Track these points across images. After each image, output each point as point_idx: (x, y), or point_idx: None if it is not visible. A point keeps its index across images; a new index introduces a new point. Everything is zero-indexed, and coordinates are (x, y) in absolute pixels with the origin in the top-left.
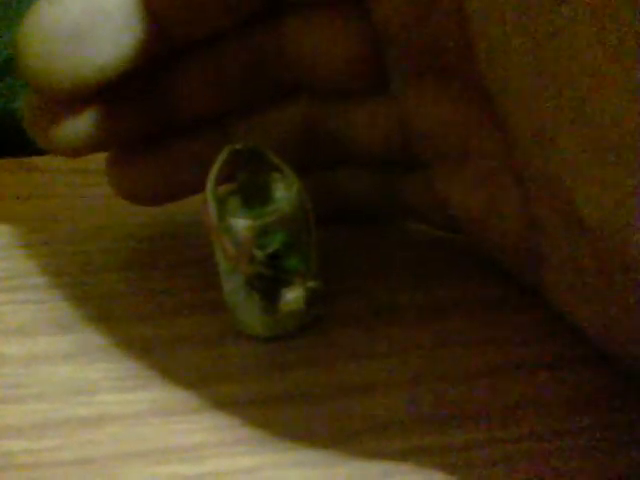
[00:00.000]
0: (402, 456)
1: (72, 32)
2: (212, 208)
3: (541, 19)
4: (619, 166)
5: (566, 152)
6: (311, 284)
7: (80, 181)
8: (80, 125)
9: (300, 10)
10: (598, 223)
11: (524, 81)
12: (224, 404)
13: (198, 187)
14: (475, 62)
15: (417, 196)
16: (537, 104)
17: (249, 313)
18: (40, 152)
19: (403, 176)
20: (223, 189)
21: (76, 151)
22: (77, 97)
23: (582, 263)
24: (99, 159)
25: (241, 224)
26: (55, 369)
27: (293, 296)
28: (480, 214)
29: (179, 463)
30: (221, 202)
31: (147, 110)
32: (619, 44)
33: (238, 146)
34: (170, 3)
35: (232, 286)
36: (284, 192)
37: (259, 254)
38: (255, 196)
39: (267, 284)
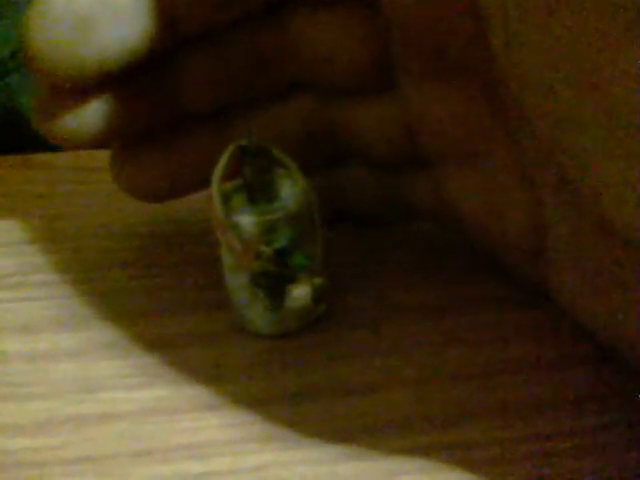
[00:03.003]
0: (407, 454)
1: (78, 21)
2: (218, 205)
3: (558, 6)
4: (635, 151)
5: (583, 136)
6: (317, 281)
7: (83, 178)
8: (86, 117)
9: (306, 7)
10: (614, 215)
11: (543, 72)
12: (229, 402)
13: (203, 183)
14: (486, 56)
15: (422, 196)
16: (558, 96)
17: (254, 310)
18: (44, 149)
19: (408, 176)
20: (229, 186)
21: (81, 143)
22: (82, 86)
23: (586, 261)
24: (103, 156)
25: (247, 221)
26: (59, 367)
27: (299, 293)
28: (485, 214)
29: (184, 461)
30: (227, 199)
31: (152, 104)
32: (635, 27)
33: (244, 143)
34: None
35: (237, 283)
36: (290, 189)
37: (265, 251)
38: (261, 193)
39: (273, 281)
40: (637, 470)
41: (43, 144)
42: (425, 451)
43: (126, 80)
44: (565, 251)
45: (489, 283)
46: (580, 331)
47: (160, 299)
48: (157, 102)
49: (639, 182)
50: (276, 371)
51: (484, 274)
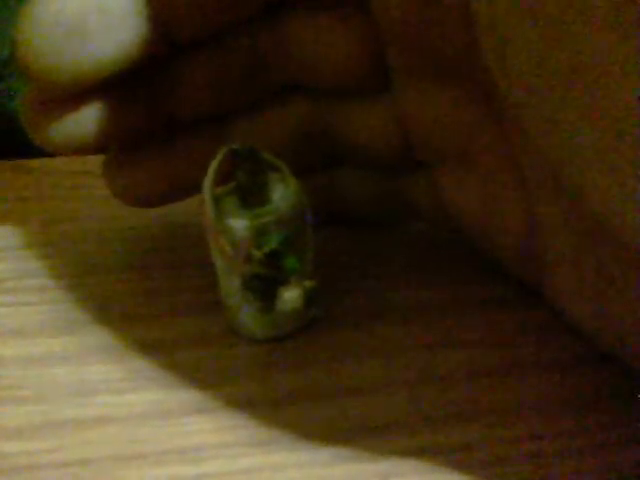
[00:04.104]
0: (402, 456)
1: (71, 27)
2: (209, 208)
3: (550, 6)
4: (628, 152)
5: (576, 139)
6: (308, 283)
7: (78, 183)
8: (79, 124)
9: (301, 10)
10: (605, 213)
11: (535, 70)
12: (223, 405)
13: (196, 188)
14: (480, 59)
15: (420, 197)
16: (548, 93)
17: (247, 314)
18: (39, 154)
19: (405, 177)
20: (221, 189)
21: (73, 149)
22: (76, 92)
23: (583, 263)
24: (98, 161)
25: (239, 224)
26: (53, 371)
27: (290, 296)
28: (481, 214)
29: (178, 465)
30: (218, 202)
31: (147, 109)
32: (630, 29)
33: (235, 146)
34: (170, 2)
35: (229, 287)
36: (282, 192)
37: (256, 254)
38: (253, 196)
39: (264, 284)
40: (636, 470)
41: (40, 149)
42: (421, 452)
43: (120, 86)
44: (562, 253)
45: (488, 283)
46: (577, 332)
47: (154, 303)
48: (152, 108)
49: (635, 185)
50: (271, 373)
51: (482, 275)
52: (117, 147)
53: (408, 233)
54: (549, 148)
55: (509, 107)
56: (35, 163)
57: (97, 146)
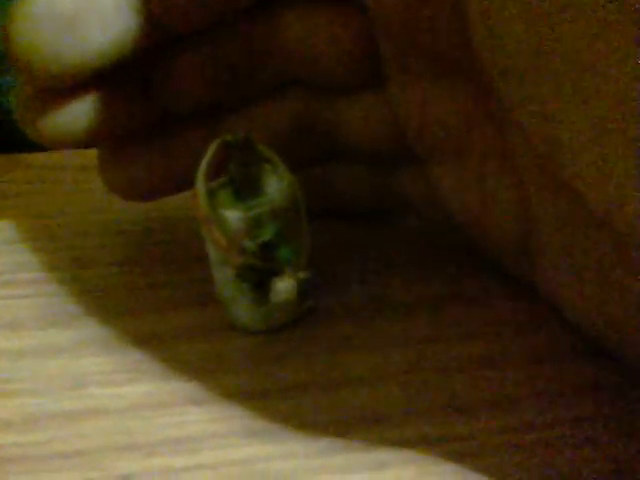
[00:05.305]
0: (396, 447)
1: (62, 21)
2: (202, 200)
3: (541, 0)
4: (620, 145)
5: (568, 132)
6: (302, 275)
7: (74, 177)
8: (72, 117)
9: (296, 4)
10: (600, 206)
11: (525, 63)
12: (218, 396)
13: (192, 182)
14: (473, 54)
15: (413, 191)
16: (539, 85)
17: (241, 305)
18: (35, 149)
19: (401, 173)
20: (214, 182)
21: (67, 143)
22: (69, 86)
23: (582, 261)
24: (94, 155)
25: (233, 216)
26: (47, 363)
27: (284, 287)
28: (476, 211)
29: (172, 455)
30: (212, 194)
31: (141, 103)
32: (620, 21)
33: (229, 138)
34: None
35: (223, 279)
36: (275, 183)
37: (250, 245)
38: (246, 188)
39: (258, 276)
40: (631, 462)
41: (36, 143)
42: (415, 443)
43: (114, 79)
44: (560, 251)
45: (481, 278)
46: (572, 325)
47: (149, 295)
48: (147, 101)
49: (632, 181)
50: (265, 365)
51: (476, 269)
52: (112, 141)
53: (403, 227)
54: (545, 145)
55: (505, 104)
56: (31, 157)
57: (91, 140)
